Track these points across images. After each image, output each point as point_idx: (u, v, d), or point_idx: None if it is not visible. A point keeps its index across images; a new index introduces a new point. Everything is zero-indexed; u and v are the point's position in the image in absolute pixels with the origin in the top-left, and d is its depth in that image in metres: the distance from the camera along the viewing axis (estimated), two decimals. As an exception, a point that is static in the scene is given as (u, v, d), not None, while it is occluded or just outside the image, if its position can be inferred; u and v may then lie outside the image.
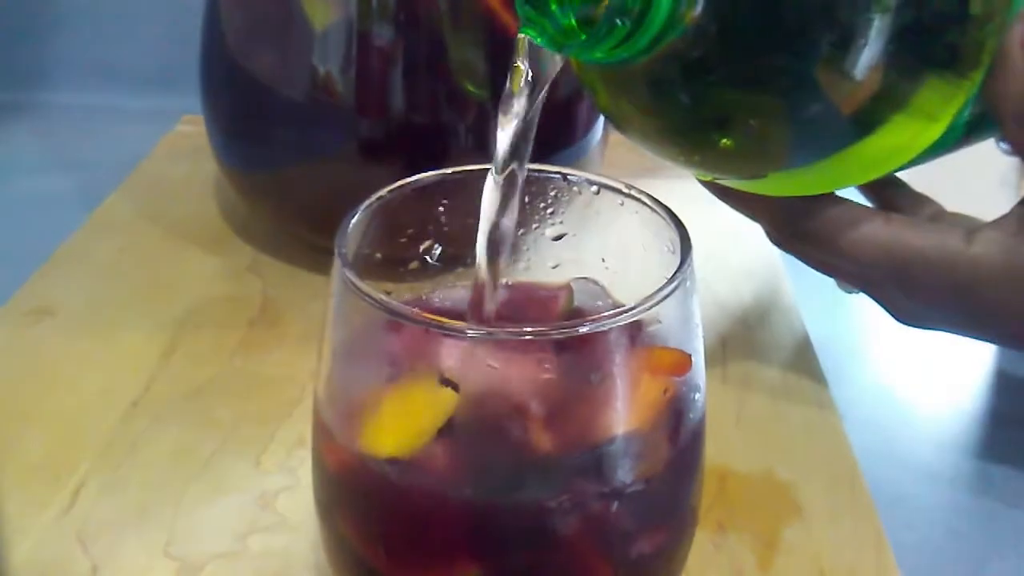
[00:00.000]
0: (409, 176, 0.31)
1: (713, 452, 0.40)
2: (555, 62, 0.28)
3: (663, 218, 0.29)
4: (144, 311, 0.50)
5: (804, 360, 0.47)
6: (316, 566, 0.36)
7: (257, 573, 0.36)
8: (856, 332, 0.54)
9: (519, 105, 0.28)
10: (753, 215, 0.38)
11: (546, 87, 0.28)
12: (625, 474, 0.26)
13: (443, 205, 0.31)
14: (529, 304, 0.31)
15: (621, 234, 0.31)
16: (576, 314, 0.32)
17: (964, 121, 0.33)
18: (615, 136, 0.56)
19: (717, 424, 0.42)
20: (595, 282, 0.32)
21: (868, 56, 0.29)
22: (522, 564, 0.26)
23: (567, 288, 0.32)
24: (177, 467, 0.40)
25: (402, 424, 0.25)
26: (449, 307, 0.32)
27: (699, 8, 0.28)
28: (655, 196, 0.30)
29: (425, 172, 0.31)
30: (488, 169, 0.30)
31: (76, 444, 0.41)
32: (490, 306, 0.29)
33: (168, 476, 0.40)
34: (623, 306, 0.30)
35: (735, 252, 0.56)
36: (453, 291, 0.32)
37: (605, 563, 0.27)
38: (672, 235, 0.29)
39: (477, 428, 0.25)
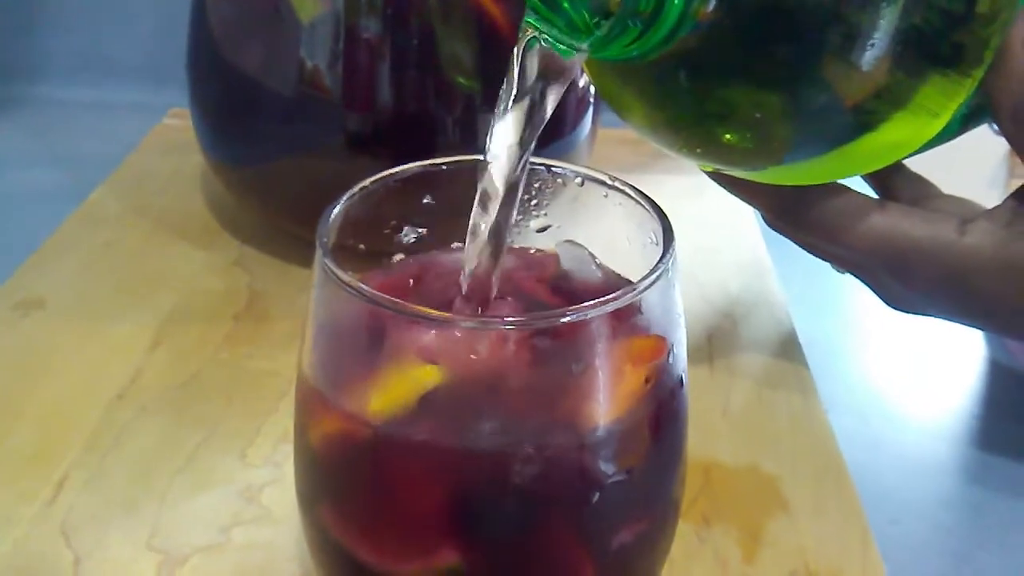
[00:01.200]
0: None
1: (698, 445, 0.40)
2: (573, 63, 0.28)
3: (647, 210, 0.29)
4: (131, 304, 0.50)
5: (790, 354, 0.47)
6: (300, 559, 0.36)
7: (241, 566, 0.36)
8: (843, 327, 0.54)
9: (525, 108, 0.28)
10: (752, 202, 0.38)
11: (563, 88, 0.28)
12: (606, 464, 0.26)
13: (426, 196, 0.31)
14: (517, 273, 0.30)
15: (605, 226, 0.31)
16: (564, 279, 0.31)
17: (962, 114, 0.33)
18: (604, 132, 0.56)
19: (703, 417, 0.42)
20: (581, 246, 0.32)
21: (876, 53, 0.29)
22: (503, 554, 0.26)
23: (554, 256, 0.32)
24: (162, 460, 0.40)
25: (385, 395, 0.25)
26: (430, 269, 0.32)
27: (711, 4, 0.28)
28: (643, 190, 0.30)
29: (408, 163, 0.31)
30: (475, 161, 0.29)
31: (61, 436, 0.41)
32: (485, 295, 0.29)
33: (153, 469, 0.40)
34: (610, 271, 0.30)
35: (723, 247, 0.56)
36: (436, 256, 0.32)
37: (586, 553, 0.27)
38: (655, 226, 0.29)
39: (457, 410, 0.25)
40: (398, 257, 0.33)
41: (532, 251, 0.33)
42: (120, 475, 0.39)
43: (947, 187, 0.41)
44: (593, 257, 0.32)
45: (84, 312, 0.50)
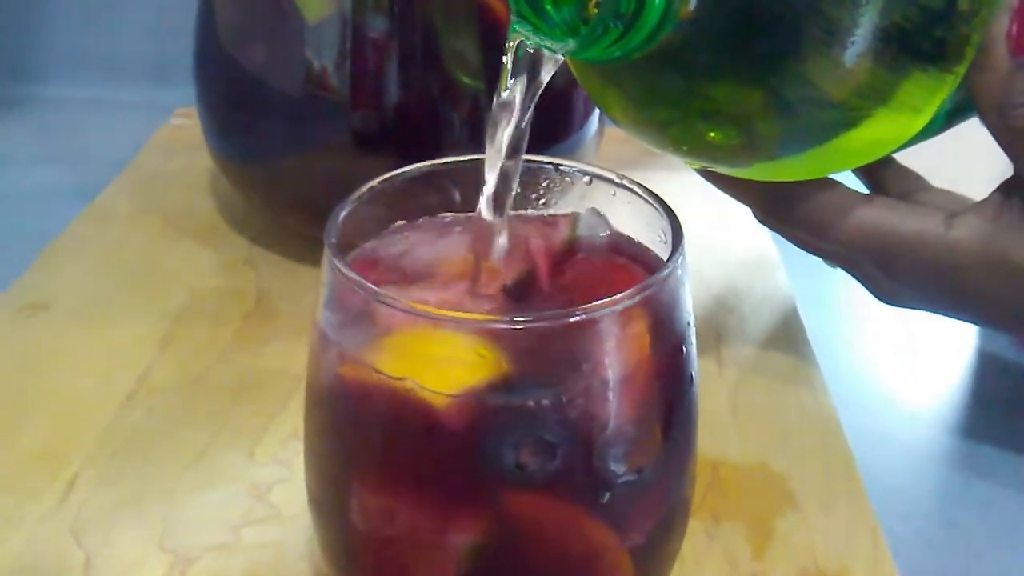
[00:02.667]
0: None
1: (707, 442, 0.40)
2: (553, 61, 0.28)
3: (655, 208, 0.29)
4: (139, 304, 0.50)
5: (799, 350, 0.47)
6: (310, 557, 0.36)
7: (251, 565, 0.36)
8: (852, 323, 0.54)
9: (516, 102, 0.28)
10: (741, 198, 0.39)
11: (542, 86, 0.28)
12: (616, 464, 0.26)
13: (434, 196, 0.31)
14: (530, 233, 0.30)
15: (613, 224, 0.31)
16: (576, 244, 0.31)
17: (946, 110, 0.34)
18: (610, 130, 0.56)
19: (711, 414, 0.42)
20: (599, 213, 0.31)
21: (857, 50, 0.30)
22: (515, 552, 0.26)
23: (572, 216, 0.32)
24: (171, 459, 0.40)
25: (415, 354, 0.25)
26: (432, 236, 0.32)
27: (692, 3, 0.29)
28: (651, 188, 0.30)
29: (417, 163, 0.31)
30: (480, 160, 0.30)
31: (70, 437, 0.41)
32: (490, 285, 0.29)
33: (162, 468, 0.40)
34: (621, 239, 0.30)
35: (730, 243, 0.56)
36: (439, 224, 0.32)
37: (596, 553, 0.27)
38: (664, 225, 0.28)
39: (461, 402, 0.25)
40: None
41: (546, 219, 0.32)
42: (130, 474, 0.39)
43: (950, 184, 0.41)
44: (608, 224, 0.31)
45: (92, 312, 0.50)
